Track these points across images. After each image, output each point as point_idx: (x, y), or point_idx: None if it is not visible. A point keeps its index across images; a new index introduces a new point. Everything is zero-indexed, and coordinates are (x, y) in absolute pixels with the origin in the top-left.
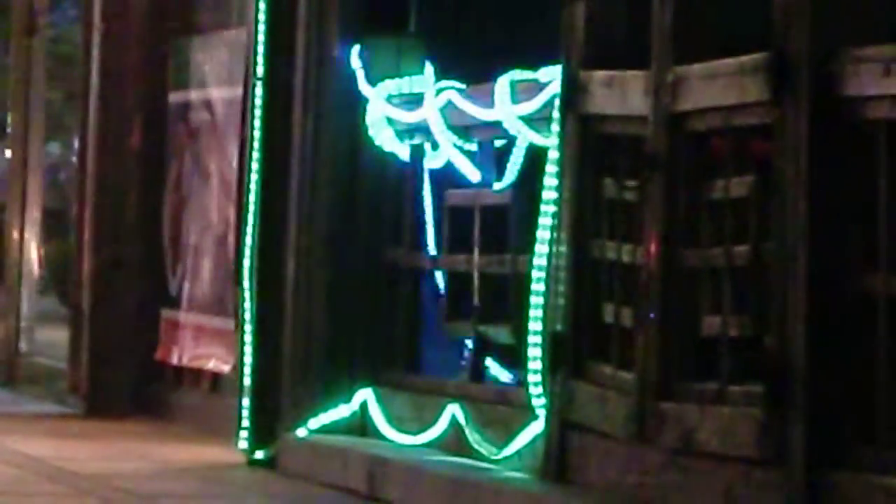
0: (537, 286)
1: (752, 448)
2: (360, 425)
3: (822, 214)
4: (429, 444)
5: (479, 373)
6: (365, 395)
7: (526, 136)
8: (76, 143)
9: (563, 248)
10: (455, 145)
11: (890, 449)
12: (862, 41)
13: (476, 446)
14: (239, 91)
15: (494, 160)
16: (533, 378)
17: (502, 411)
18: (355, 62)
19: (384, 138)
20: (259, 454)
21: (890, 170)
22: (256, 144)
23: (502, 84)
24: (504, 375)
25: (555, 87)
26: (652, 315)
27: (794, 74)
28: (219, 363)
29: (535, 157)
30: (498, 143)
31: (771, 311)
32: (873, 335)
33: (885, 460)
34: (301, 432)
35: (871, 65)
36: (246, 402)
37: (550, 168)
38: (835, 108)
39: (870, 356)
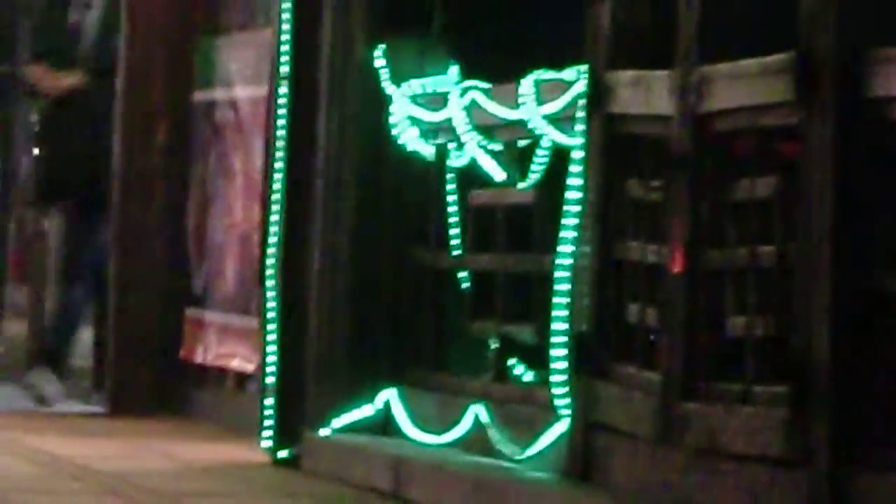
0: (561, 286)
1: (777, 448)
2: (384, 425)
3: (847, 215)
4: (453, 444)
5: (503, 373)
6: (389, 394)
7: (550, 136)
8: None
9: (587, 248)
10: (479, 145)
11: None
12: (889, 42)
13: (500, 446)
14: (264, 90)
15: (519, 160)
16: (557, 378)
17: (526, 411)
18: (380, 61)
19: (409, 138)
20: (283, 453)
21: None
22: (281, 143)
23: (527, 84)
24: (528, 375)
25: (580, 87)
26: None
27: (820, 75)
28: (243, 362)
29: (560, 157)
30: (522, 142)
31: (796, 311)
32: None
33: None
34: (325, 431)
35: None
36: (269, 401)
37: (575, 168)
38: (860, 108)
39: (894, 356)
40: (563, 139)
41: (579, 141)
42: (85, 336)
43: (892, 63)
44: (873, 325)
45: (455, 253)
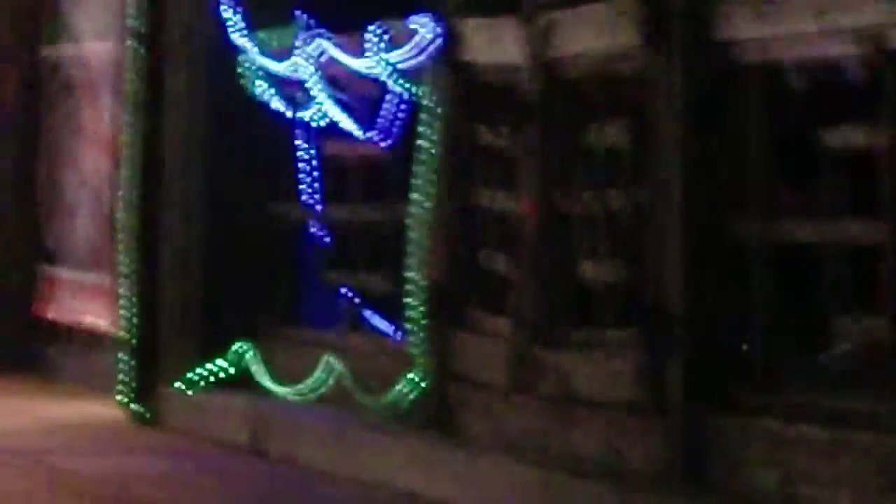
0: (415, 236)
1: (631, 393)
2: (240, 378)
3: (696, 160)
4: (308, 396)
5: (358, 323)
6: (244, 347)
7: (400, 86)
8: None
9: (439, 198)
10: (329, 96)
11: (767, 391)
12: None
13: (356, 397)
14: (113, 45)
15: (369, 110)
16: (412, 327)
17: (382, 361)
18: (228, 13)
19: (259, 90)
20: (140, 409)
21: (763, 114)
22: (132, 99)
23: (375, 33)
24: (383, 325)
25: (428, 36)
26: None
27: (667, 19)
28: (97, 319)
29: (410, 107)
30: (372, 92)
31: (648, 256)
32: (748, 279)
33: (762, 402)
34: (181, 386)
35: (743, 8)
36: (125, 357)
37: (425, 117)
38: (708, 52)
39: (745, 300)
40: (412, 89)
41: (429, 90)
42: None
43: (738, 6)
44: (724, 270)
45: (309, 205)
